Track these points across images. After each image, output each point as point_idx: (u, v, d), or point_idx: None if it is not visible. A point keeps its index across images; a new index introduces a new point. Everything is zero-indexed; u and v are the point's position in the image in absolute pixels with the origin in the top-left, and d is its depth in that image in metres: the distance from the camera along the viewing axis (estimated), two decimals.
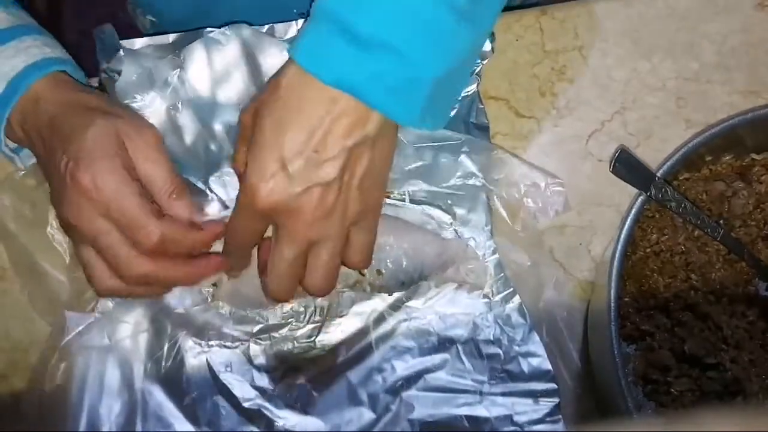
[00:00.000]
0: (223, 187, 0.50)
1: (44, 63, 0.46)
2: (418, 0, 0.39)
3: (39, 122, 0.45)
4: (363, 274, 0.49)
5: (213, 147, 0.50)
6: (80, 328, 0.48)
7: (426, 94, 0.41)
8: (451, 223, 0.51)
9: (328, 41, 0.40)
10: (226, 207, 0.49)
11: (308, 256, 0.43)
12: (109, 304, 0.48)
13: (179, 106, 0.50)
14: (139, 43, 0.52)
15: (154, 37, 0.52)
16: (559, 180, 0.50)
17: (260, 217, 0.42)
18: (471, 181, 0.50)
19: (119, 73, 0.50)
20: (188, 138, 0.50)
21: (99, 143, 0.43)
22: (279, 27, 0.51)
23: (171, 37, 0.52)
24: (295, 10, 0.54)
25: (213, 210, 0.48)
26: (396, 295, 0.49)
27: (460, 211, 0.51)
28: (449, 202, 0.51)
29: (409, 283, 0.49)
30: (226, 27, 0.51)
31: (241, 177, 0.45)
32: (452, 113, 0.52)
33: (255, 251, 0.46)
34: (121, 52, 0.50)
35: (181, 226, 0.44)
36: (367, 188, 0.43)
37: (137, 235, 0.43)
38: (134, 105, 0.50)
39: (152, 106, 0.50)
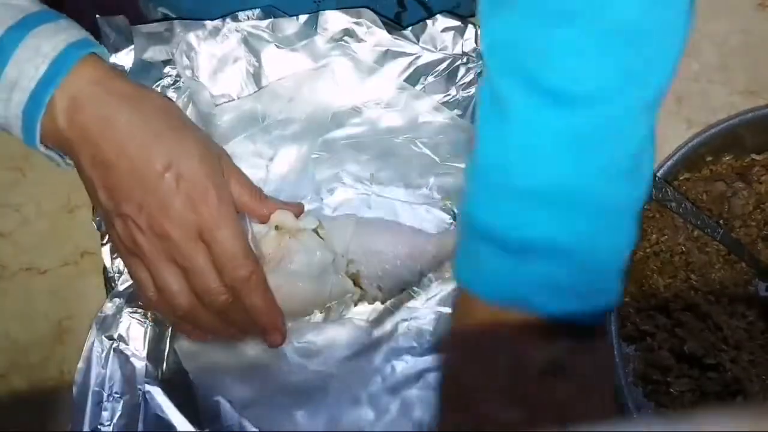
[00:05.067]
0: None
1: (86, 43, 0.43)
2: (578, 192, 0.33)
3: (105, 109, 0.41)
4: (363, 289, 0.49)
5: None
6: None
7: (615, 278, 0.35)
8: (451, 223, 0.51)
9: (485, 258, 0.34)
10: None
11: None
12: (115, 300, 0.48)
13: (174, 99, 0.50)
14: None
15: (144, 25, 0.51)
16: None
17: None
18: None
19: (126, 70, 0.50)
20: None
21: (212, 167, 0.43)
22: (280, 22, 0.51)
23: (163, 26, 0.51)
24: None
25: None
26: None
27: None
28: (449, 203, 0.51)
29: (408, 287, 0.49)
30: (226, 18, 0.51)
31: None
32: None
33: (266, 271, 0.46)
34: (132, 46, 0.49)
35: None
36: (584, 398, 0.34)
37: (232, 268, 0.42)
38: None
39: None
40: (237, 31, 0.50)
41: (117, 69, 0.45)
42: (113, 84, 0.42)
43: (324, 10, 0.52)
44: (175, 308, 0.43)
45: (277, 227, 0.46)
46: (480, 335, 0.34)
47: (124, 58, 0.50)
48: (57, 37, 0.42)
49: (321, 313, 0.49)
